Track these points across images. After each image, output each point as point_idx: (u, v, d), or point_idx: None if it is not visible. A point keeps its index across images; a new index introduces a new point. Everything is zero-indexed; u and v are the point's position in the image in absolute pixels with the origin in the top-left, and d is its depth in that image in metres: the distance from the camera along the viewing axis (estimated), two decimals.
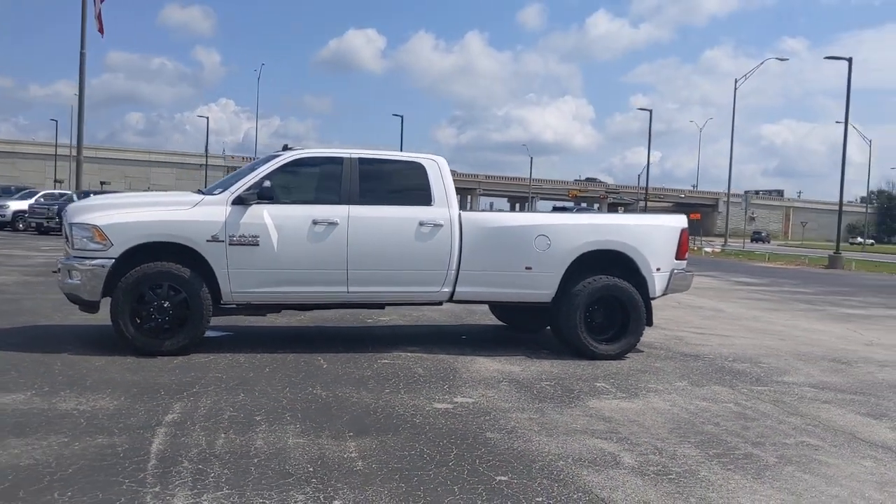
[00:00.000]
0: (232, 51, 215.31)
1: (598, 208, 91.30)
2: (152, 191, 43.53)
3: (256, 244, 7.84)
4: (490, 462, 4.89)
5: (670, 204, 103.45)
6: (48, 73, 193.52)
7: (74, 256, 7.74)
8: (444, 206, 8.41)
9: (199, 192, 8.58)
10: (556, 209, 62.24)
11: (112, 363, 7.26)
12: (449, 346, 8.91)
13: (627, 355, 8.70)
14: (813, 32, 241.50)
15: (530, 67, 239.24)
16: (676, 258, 9.02)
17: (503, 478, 4.61)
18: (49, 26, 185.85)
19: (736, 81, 50.07)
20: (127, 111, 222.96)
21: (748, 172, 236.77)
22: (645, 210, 66.87)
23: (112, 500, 4.01)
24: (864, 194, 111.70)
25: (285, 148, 8.67)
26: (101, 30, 43.06)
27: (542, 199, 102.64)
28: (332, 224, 8.02)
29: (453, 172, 9.60)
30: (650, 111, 61.73)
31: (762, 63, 50.37)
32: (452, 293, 8.47)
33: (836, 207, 38.15)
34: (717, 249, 50.48)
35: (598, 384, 7.32)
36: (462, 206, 9.05)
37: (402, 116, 71.98)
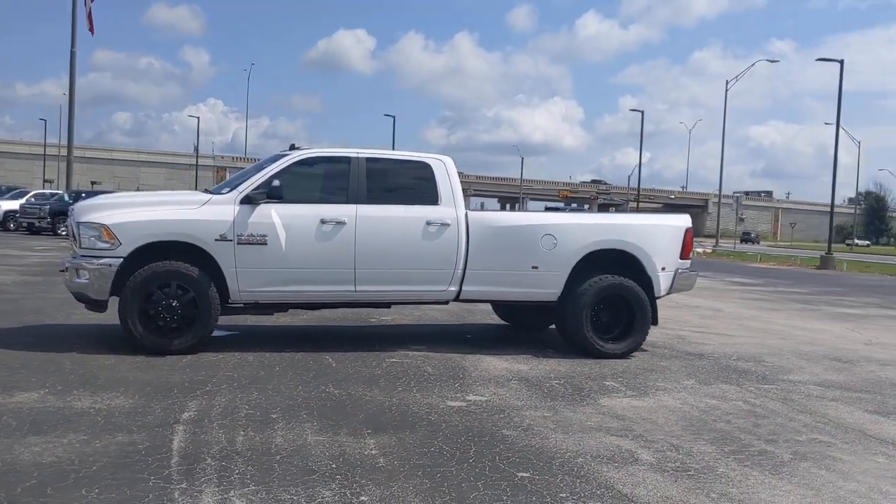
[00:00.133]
0: (220, 51, 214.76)
1: (588, 209, 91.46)
2: (142, 191, 43.42)
3: (265, 243, 7.85)
4: (510, 459, 4.92)
5: (660, 205, 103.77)
6: (34, 72, 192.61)
7: (82, 255, 7.73)
8: (451, 205, 8.44)
9: (207, 191, 8.58)
10: (548, 209, 62.36)
11: (122, 362, 7.25)
12: (455, 345, 8.94)
13: (633, 354, 8.75)
14: (800, 34, 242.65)
15: (520, 68, 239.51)
16: (681, 258, 9.08)
17: (525, 474, 4.64)
18: (35, 25, 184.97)
19: (727, 83, 50.31)
20: (114, 111, 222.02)
21: (736, 174, 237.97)
22: (637, 211, 67.04)
23: (140, 496, 4.02)
24: (853, 195, 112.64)
25: (292, 147, 8.68)
26: (91, 29, 42.96)
27: (532, 199, 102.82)
28: (340, 223, 8.04)
29: None
30: (642, 112, 61.98)
31: (753, 65, 50.64)
32: (459, 292, 8.50)
33: (824, 209, 38.47)
34: (709, 250, 50.70)
35: (608, 383, 7.36)
36: None
37: (394, 117, 72.04)
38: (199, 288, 7.68)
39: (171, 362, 7.31)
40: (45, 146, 77.30)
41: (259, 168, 8.42)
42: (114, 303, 7.81)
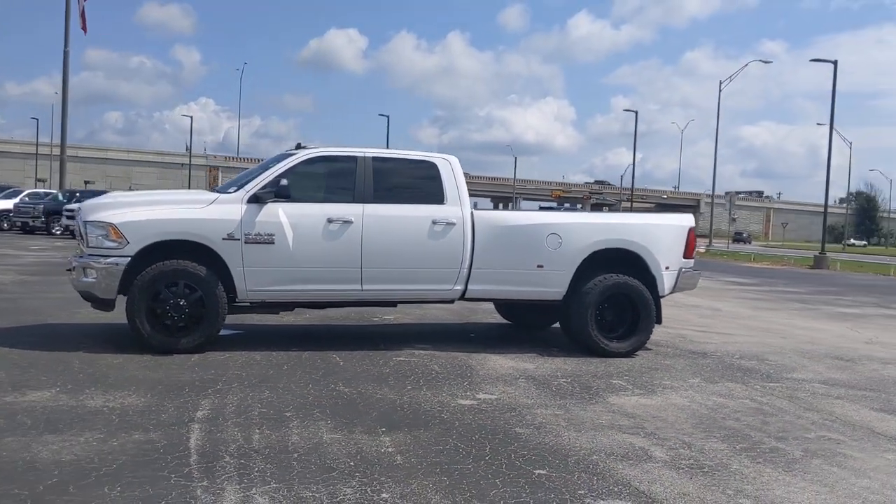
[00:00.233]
0: (211, 49, 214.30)
1: (581, 208, 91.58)
2: (135, 190, 43.30)
3: (272, 242, 7.86)
4: (525, 456, 4.95)
5: (652, 205, 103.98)
6: (25, 71, 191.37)
7: (89, 255, 7.72)
8: (457, 204, 8.46)
9: (214, 190, 8.59)
10: (542, 209, 62.40)
11: (130, 361, 7.25)
12: (459, 344, 8.97)
13: (637, 353, 8.79)
14: (792, 35, 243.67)
15: (512, 68, 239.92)
16: (684, 257, 9.13)
17: (542, 471, 4.67)
18: (26, 23, 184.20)
19: (720, 83, 50.46)
20: (105, 110, 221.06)
21: (727, 173, 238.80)
22: (631, 210, 67.18)
23: (162, 494, 4.03)
24: (844, 196, 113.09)
25: (298, 147, 8.69)
26: (84, 27, 42.88)
27: (525, 199, 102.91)
28: (347, 222, 8.06)
29: None
30: (636, 113, 62.20)
31: (747, 65, 50.85)
32: (464, 291, 8.52)
33: (815, 209, 38.68)
34: (702, 250, 50.82)
35: (615, 381, 7.40)
36: None
37: (388, 116, 71.95)
38: (206, 287, 7.69)
39: (179, 361, 7.32)
40: (37, 145, 76.98)
41: (265, 167, 8.43)
42: (120, 302, 7.80)
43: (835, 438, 5.76)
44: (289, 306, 8.52)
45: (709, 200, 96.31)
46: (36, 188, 48.54)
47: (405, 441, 5.15)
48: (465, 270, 8.43)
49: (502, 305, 10.64)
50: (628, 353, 8.68)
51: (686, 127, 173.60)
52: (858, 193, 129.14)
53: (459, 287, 8.48)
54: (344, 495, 4.13)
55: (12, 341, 7.93)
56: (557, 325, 9.96)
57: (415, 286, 8.41)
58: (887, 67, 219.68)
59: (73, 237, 29.01)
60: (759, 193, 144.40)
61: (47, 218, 31.63)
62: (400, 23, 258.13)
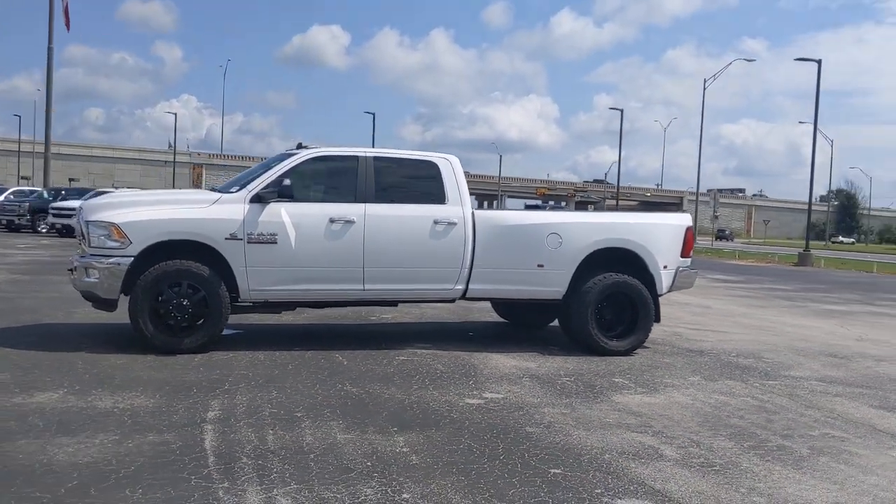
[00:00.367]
0: (193, 46, 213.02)
1: (565, 206, 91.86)
2: (117, 188, 43.01)
3: (275, 242, 7.87)
4: (539, 455, 4.99)
5: (636, 202, 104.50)
6: (4, 67, 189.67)
7: (91, 254, 7.70)
8: (458, 204, 8.50)
9: (215, 189, 8.58)
10: (528, 207, 62.53)
11: (134, 361, 7.24)
12: (459, 343, 9.01)
13: (635, 351, 8.86)
14: (772, 33, 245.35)
15: (495, 65, 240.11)
16: (682, 256, 9.21)
17: (557, 470, 4.72)
18: (5, 20, 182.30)
19: (705, 81, 50.73)
20: (86, 107, 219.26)
21: (708, 171, 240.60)
22: (616, 208, 67.46)
23: (184, 496, 4.04)
24: (824, 193, 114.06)
25: (299, 146, 8.69)
26: (67, 24, 42.56)
27: (509, 197, 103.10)
28: (349, 222, 8.07)
29: None
30: (621, 111, 62.44)
31: (730, 64, 51.10)
32: (465, 290, 8.56)
33: (796, 206, 38.99)
34: None
35: (617, 380, 7.47)
36: None
37: (373, 114, 71.93)
38: (209, 287, 7.69)
39: (183, 361, 7.32)
40: (19, 142, 76.27)
41: (266, 167, 8.43)
42: (122, 302, 7.79)
43: (839, 436, 5.84)
44: (290, 306, 8.53)
45: (691, 198, 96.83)
46: (20, 186, 48.12)
47: (418, 441, 5.19)
48: (466, 270, 8.47)
49: (500, 304, 10.68)
50: (627, 352, 8.75)
51: (669, 125, 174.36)
52: (839, 191, 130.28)
53: (460, 286, 8.52)
54: (365, 496, 4.15)
55: (12, 342, 7.90)
56: (554, 323, 10.04)
57: (416, 286, 8.44)
58: (866, 66, 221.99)
59: (59, 235, 28.88)
60: (741, 191, 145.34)
61: (33, 216, 31.39)
62: (383, 19, 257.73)
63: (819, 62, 36.22)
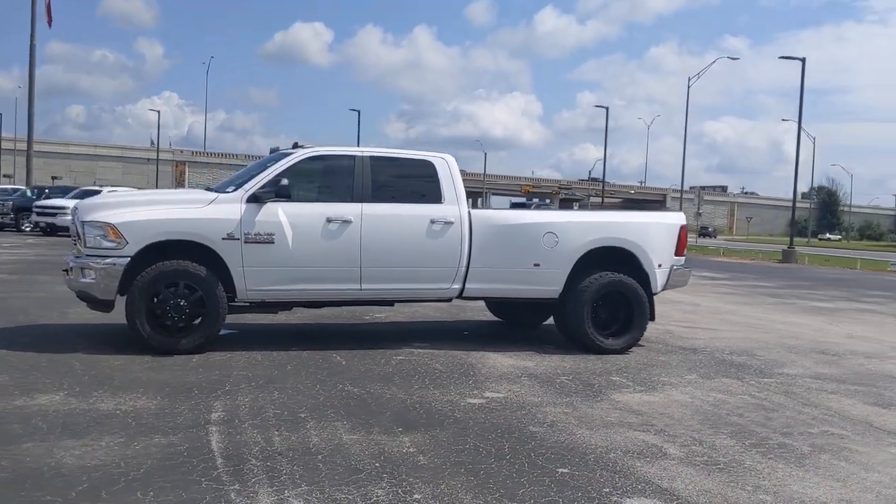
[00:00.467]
0: (174, 42, 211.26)
1: (550, 203, 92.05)
2: (98, 185, 42.65)
3: (272, 242, 7.85)
4: (545, 455, 5.02)
5: (620, 200, 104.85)
6: None
7: (87, 255, 7.66)
8: (455, 203, 8.51)
9: (210, 189, 8.56)
10: (514, 205, 62.58)
11: (131, 362, 7.21)
12: (455, 342, 9.03)
13: (631, 350, 8.92)
14: (754, 31, 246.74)
15: (479, 63, 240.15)
16: (676, 254, 9.28)
17: (564, 470, 4.75)
18: None
19: (689, 79, 50.98)
20: (67, 104, 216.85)
21: (691, 168, 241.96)
22: (602, 205, 67.71)
23: (196, 498, 4.04)
24: (806, 190, 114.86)
25: (295, 146, 8.68)
26: (49, 21, 42.21)
27: (494, 194, 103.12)
28: (346, 222, 8.07)
29: None
30: (606, 108, 62.52)
31: (714, 62, 51.38)
32: (462, 290, 8.58)
33: (779, 203, 39.26)
34: None
35: (614, 378, 7.51)
36: None
37: (358, 111, 71.64)
38: (206, 287, 7.67)
39: (181, 362, 7.30)
40: (0, 140, 75.47)
41: (263, 166, 8.42)
42: (119, 302, 7.75)
43: (837, 433, 5.91)
44: (287, 306, 8.52)
45: (674, 195, 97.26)
46: (2, 184, 47.69)
47: (424, 441, 5.20)
48: (463, 269, 8.49)
49: (494, 303, 10.72)
50: (623, 350, 8.80)
51: (652, 122, 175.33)
52: (820, 188, 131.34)
53: (457, 286, 8.54)
54: (377, 497, 4.17)
55: (7, 343, 7.85)
56: (549, 322, 10.09)
57: (413, 285, 8.45)
58: (847, 64, 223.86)
59: (44, 234, 28.65)
60: (723, 188, 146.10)
61: (17, 215, 31.11)
62: (366, 16, 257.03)
63: (803, 60, 36.51)
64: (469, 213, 8.56)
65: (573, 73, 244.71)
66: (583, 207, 69.06)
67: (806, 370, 8.46)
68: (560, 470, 4.74)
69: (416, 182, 8.65)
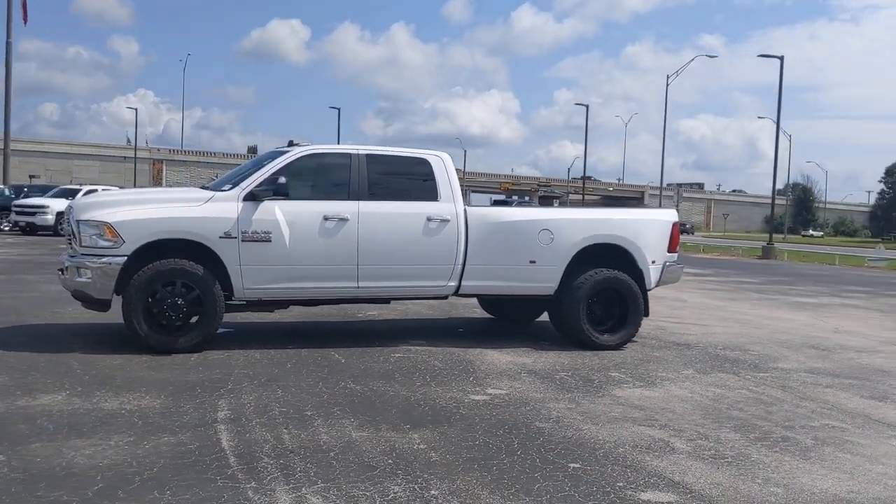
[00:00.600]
0: (150, 39, 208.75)
1: (529, 200, 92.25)
2: (74, 184, 42.22)
3: (269, 240, 7.83)
4: (554, 450, 5.05)
5: (598, 197, 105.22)
6: None
7: (83, 254, 7.60)
8: (451, 201, 8.53)
9: (205, 187, 8.52)
10: (495, 203, 62.55)
11: (130, 362, 7.17)
12: (451, 339, 9.04)
13: (625, 345, 8.98)
14: (729, 30, 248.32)
15: (456, 60, 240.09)
16: (668, 251, 9.35)
17: (576, 465, 4.78)
18: None
19: (668, 77, 51.27)
20: (40, 102, 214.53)
21: (667, 165, 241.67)
22: (583, 202, 67.98)
23: (214, 496, 4.03)
24: (781, 187, 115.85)
25: (290, 144, 8.65)
26: (25, 17, 41.74)
27: (473, 191, 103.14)
28: (343, 220, 8.06)
29: None
30: (587, 106, 62.93)
31: (693, 59, 51.63)
32: (458, 287, 8.60)
33: (755, 200, 39.56)
34: None
35: (613, 374, 7.56)
36: None
37: (339, 109, 71.48)
38: (204, 286, 7.63)
39: (179, 361, 7.26)
40: None
41: (258, 165, 8.38)
42: (115, 301, 7.70)
43: (838, 426, 5.99)
44: (284, 304, 8.50)
45: (652, 192, 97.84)
46: None
47: (433, 437, 5.22)
48: (460, 266, 8.51)
49: (486, 300, 10.75)
50: (618, 346, 8.86)
51: (630, 120, 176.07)
52: (795, 185, 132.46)
53: (453, 283, 8.55)
54: (394, 494, 4.18)
55: (3, 343, 7.76)
56: (541, 318, 10.15)
57: (410, 283, 8.46)
58: (820, 62, 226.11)
59: (23, 233, 28.35)
60: (700, 185, 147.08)
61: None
62: (343, 14, 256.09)
63: (781, 58, 36.87)
64: (465, 210, 8.57)
65: (550, 70, 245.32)
66: (562, 205, 69.18)
67: (799, 364, 8.56)
68: (572, 465, 4.77)
69: (412, 180, 8.65)
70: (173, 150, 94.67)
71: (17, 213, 28.96)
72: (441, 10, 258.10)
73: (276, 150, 8.66)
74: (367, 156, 8.42)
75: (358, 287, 8.25)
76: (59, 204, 29.04)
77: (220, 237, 7.71)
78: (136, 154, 78.46)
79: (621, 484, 4.48)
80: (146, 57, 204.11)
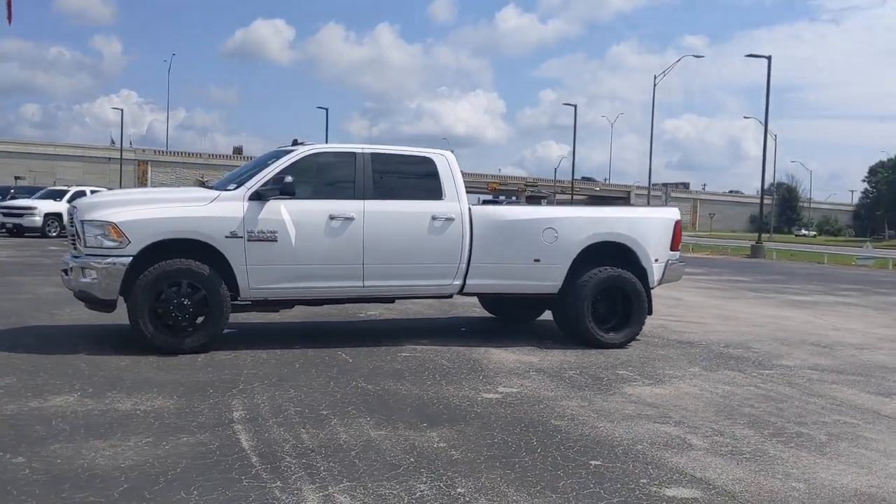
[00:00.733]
0: (133, 40, 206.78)
1: (517, 200, 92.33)
2: (58, 185, 41.92)
3: (275, 240, 7.80)
4: (574, 448, 5.06)
5: (585, 197, 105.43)
6: None
7: (87, 255, 7.54)
8: (455, 200, 8.52)
9: (210, 187, 8.48)
10: (485, 202, 62.57)
11: (137, 363, 7.12)
12: (455, 339, 9.04)
13: (629, 344, 9.00)
14: (712, 30, 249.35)
15: (441, 60, 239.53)
16: (671, 249, 9.38)
17: (597, 462, 4.79)
18: None
19: (655, 77, 51.48)
20: (22, 102, 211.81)
21: (653, 165, 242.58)
22: (571, 202, 68.13)
23: (241, 496, 4.01)
24: (765, 186, 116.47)
25: (295, 143, 8.63)
26: (9, 17, 41.39)
27: None
28: (349, 219, 8.04)
29: None
30: (574, 106, 63.10)
31: (679, 59, 51.88)
32: (463, 286, 8.60)
33: (741, 199, 39.77)
34: None
35: (621, 372, 7.58)
36: None
37: (327, 109, 71.43)
38: (210, 286, 7.60)
39: (187, 361, 7.22)
40: None
41: (262, 164, 8.35)
42: (120, 302, 7.66)
43: (850, 422, 6.03)
44: (289, 304, 8.47)
45: (638, 192, 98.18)
46: None
47: (452, 436, 5.21)
48: (464, 265, 8.51)
49: (488, 300, 10.75)
50: (622, 344, 8.88)
51: (616, 120, 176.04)
52: (780, 185, 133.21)
53: (458, 282, 8.55)
54: (420, 492, 4.17)
55: (7, 345, 7.70)
56: (543, 317, 10.16)
57: (415, 282, 8.45)
58: (802, 62, 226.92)
59: (10, 235, 28.12)
60: (685, 185, 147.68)
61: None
62: (328, 14, 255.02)
63: (769, 58, 37.10)
64: (469, 209, 8.57)
65: (535, 71, 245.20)
66: (549, 204, 69.41)
67: (803, 361, 8.61)
68: (593, 462, 4.78)
69: (416, 179, 8.65)
70: (158, 151, 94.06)
71: (5, 214, 28.74)
72: (426, 11, 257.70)
73: (280, 150, 8.63)
74: (372, 155, 8.41)
75: (363, 286, 8.23)
76: (47, 205, 28.88)
77: (227, 237, 7.67)
78: (122, 154, 77.94)
79: (644, 480, 4.49)
80: (129, 57, 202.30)
